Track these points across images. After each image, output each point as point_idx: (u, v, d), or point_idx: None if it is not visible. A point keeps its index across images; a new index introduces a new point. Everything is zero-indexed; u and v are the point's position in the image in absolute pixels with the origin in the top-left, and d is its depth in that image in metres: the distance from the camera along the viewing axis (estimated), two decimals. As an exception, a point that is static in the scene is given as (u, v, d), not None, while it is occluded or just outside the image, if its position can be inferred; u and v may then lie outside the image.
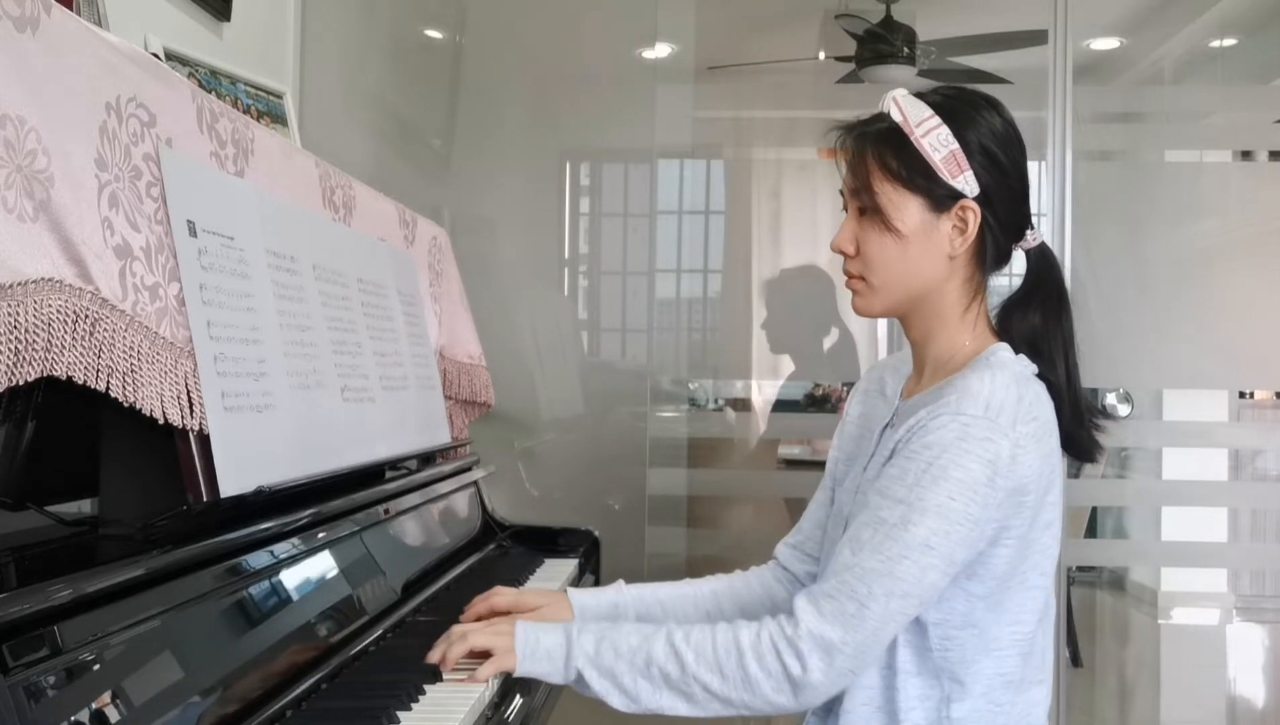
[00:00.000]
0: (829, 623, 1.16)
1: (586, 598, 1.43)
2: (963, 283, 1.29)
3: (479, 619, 1.38)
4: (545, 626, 1.27)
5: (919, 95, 1.29)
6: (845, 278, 1.33)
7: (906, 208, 1.26)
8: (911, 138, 1.25)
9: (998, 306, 1.34)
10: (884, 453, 1.29)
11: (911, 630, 1.24)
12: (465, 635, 1.27)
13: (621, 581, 1.48)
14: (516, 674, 1.26)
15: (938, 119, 1.25)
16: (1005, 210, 1.28)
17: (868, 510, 1.21)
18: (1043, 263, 1.32)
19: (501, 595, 1.41)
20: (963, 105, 1.28)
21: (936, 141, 1.25)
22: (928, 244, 1.27)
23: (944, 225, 1.26)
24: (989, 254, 1.28)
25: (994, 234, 1.27)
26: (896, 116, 1.27)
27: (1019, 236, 1.31)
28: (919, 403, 1.28)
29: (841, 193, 1.32)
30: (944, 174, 1.24)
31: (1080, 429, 1.30)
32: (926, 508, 1.16)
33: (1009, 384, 1.20)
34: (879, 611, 1.16)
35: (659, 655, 1.20)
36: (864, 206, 1.29)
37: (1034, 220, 1.33)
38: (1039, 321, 1.30)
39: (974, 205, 1.25)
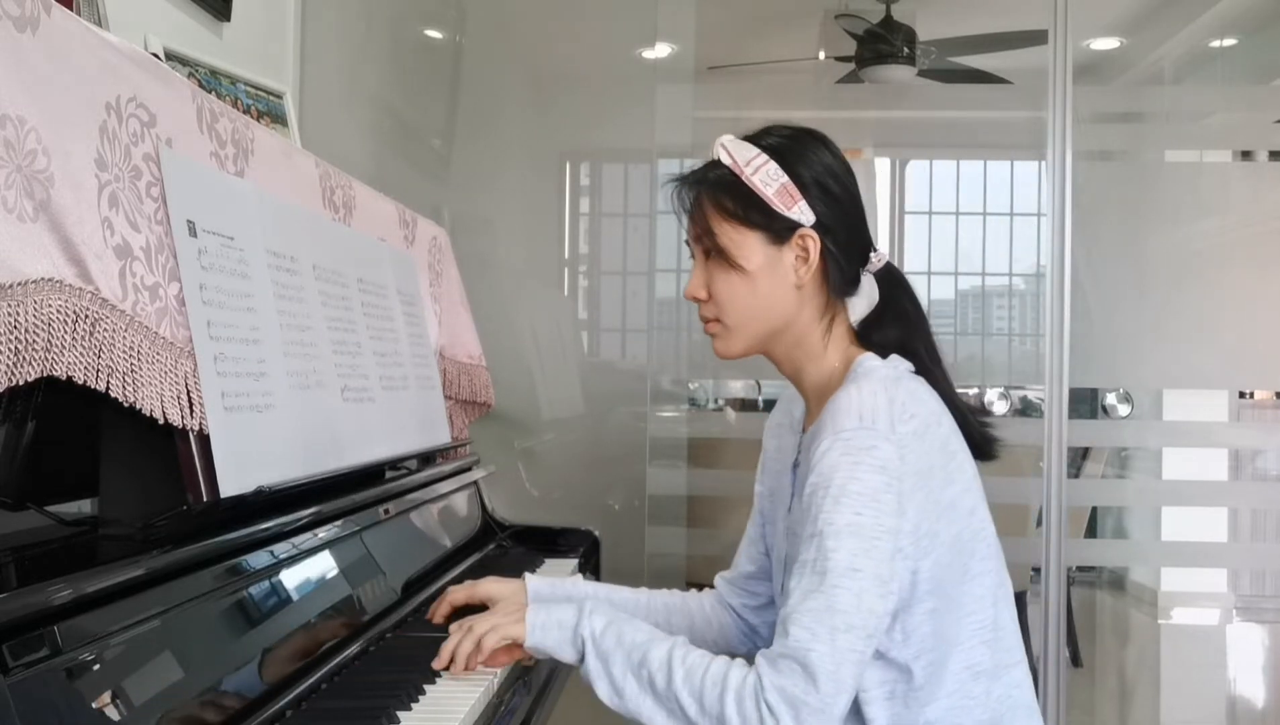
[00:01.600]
0: (786, 678, 1.14)
1: (543, 586, 1.45)
2: (816, 311, 1.32)
3: (444, 618, 1.41)
4: (556, 603, 1.30)
5: (747, 138, 1.32)
6: (703, 324, 1.36)
7: (748, 244, 1.29)
8: (742, 177, 1.29)
9: (856, 328, 1.35)
10: (800, 492, 1.30)
11: (892, 677, 1.23)
12: (470, 628, 1.29)
13: (579, 576, 1.50)
14: (526, 645, 1.28)
15: (765, 156, 1.29)
16: (844, 235, 1.31)
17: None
18: (890, 282, 1.35)
19: (457, 590, 1.44)
20: (790, 142, 1.31)
21: (767, 177, 1.28)
22: (774, 277, 1.30)
23: (787, 256, 1.30)
24: (834, 279, 1.31)
25: (836, 259, 1.30)
26: (726, 160, 1.30)
27: (864, 261, 1.34)
28: (812, 433, 1.29)
29: (687, 243, 1.36)
30: (778, 206, 1.28)
31: (968, 428, 1.31)
32: (839, 531, 1.16)
33: (876, 391, 1.21)
34: (827, 653, 1.13)
35: (654, 660, 1.19)
36: (709, 250, 1.32)
37: (875, 242, 1.36)
38: (895, 334, 1.33)
39: (812, 233, 1.29)
